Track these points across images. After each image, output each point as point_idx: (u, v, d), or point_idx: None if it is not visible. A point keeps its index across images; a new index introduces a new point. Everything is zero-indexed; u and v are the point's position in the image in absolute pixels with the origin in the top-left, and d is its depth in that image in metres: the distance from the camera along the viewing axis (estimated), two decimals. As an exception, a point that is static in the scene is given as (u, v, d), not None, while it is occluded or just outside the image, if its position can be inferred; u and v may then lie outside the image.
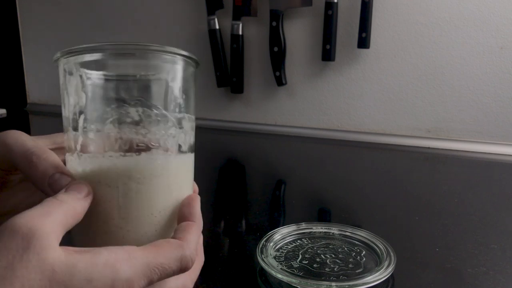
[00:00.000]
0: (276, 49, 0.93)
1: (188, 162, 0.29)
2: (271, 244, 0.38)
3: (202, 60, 1.04)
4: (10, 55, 1.26)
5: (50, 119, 1.18)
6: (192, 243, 0.25)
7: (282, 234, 0.40)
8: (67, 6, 1.17)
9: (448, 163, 0.80)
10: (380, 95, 0.91)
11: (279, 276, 0.33)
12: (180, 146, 0.28)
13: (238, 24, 0.96)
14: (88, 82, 0.27)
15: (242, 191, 0.64)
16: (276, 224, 0.48)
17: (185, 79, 0.29)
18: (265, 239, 0.39)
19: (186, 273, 0.26)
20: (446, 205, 0.54)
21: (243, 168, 0.77)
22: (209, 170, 0.71)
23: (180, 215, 0.28)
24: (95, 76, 0.27)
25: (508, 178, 0.69)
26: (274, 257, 0.36)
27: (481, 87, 0.84)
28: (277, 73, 0.94)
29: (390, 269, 0.34)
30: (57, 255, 0.20)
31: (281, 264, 0.35)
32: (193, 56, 0.29)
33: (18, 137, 0.27)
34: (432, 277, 0.36)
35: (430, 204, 0.55)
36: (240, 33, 0.96)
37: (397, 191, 0.62)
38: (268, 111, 1.01)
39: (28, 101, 1.30)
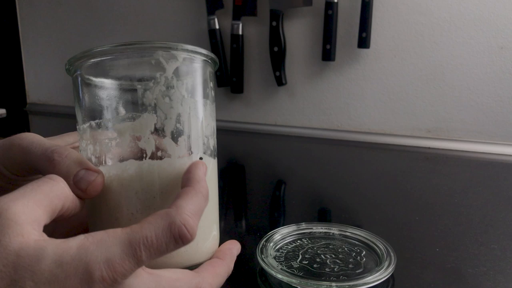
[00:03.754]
0: (276, 49, 0.93)
1: (210, 166, 0.28)
2: (271, 244, 0.38)
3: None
4: (10, 55, 1.26)
5: (50, 119, 1.18)
6: (185, 208, 0.21)
7: (282, 234, 0.40)
8: (67, 6, 1.17)
9: (448, 163, 0.80)
10: (380, 95, 0.91)
11: (279, 276, 0.33)
12: (201, 150, 0.27)
13: (238, 24, 0.96)
14: (100, 91, 0.26)
15: (242, 191, 0.64)
16: (276, 224, 0.48)
17: (204, 81, 0.28)
18: (265, 239, 0.39)
19: (201, 274, 0.24)
20: (446, 205, 0.54)
21: (243, 168, 0.77)
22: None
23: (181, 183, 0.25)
24: (107, 84, 0.26)
25: (508, 178, 0.69)
26: (274, 257, 0.36)
27: (481, 87, 0.84)
28: (277, 73, 0.94)
29: (390, 269, 0.34)
30: (24, 240, 0.18)
31: (281, 264, 0.35)
32: (212, 55, 0.28)
33: (33, 139, 0.25)
34: (432, 277, 0.35)
35: (430, 204, 0.55)
36: (240, 33, 0.96)
37: (397, 191, 0.62)
38: (268, 111, 1.01)
39: (28, 101, 1.30)
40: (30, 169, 0.25)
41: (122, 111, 0.26)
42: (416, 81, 0.88)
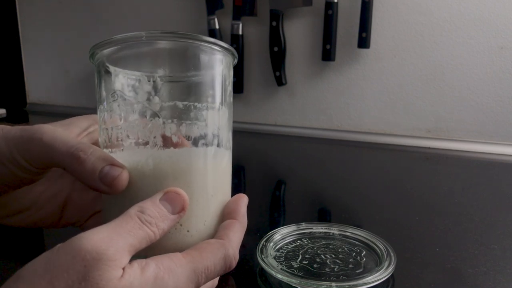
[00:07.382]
0: (276, 49, 0.93)
1: (226, 157, 0.29)
2: (271, 244, 0.38)
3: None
4: (10, 55, 1.26)
5: (50, 119, 1.17)
6: (234, 241, 0.26)
7: (282, 234, 0.40)
8: (67, 6, 1.17)
9: (448, 163, 0.80)
10: (380, 95, 0.91)
11: (279, 276, 0.33)
12: (219, 140, 0.28)
13: (238, 24, 0.96)
14: (120, 79, 0.26)
15: (242, 191, 0.64)
16: (276, 224, 0.48)
17: (224, 72, 0.28)
18: (265, 239, 0.39)
19: (224, 244, 0.26)
20: (446, 205, 0.54)
21: (243, 168, 0.77)
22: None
23: (225, 211, 0.28)
24: (127, 74, 0.26)
25: (508, 178, 0.69)
26: (274, 257, 0.36)
27: (481, 87, 0.84)
28: (277, 73, 0.94)
29: (390, 269, 0.34)
30: (116, 281, 0.20)
31: (281, 264, 0.35)
32: (232, 48, 0.28)
33: (55, 134, 0.26)
34: (432, 277, 0.35)
35: (430, 204, 0.55)
36: (240, 33, 0.96)
37: (397, 191, 0.62)
38: (268, 111, 1.01)
39: (28, 101, 1.29)
40: (51, 164, 0.26)
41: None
42: (416, 81, 0.88)
